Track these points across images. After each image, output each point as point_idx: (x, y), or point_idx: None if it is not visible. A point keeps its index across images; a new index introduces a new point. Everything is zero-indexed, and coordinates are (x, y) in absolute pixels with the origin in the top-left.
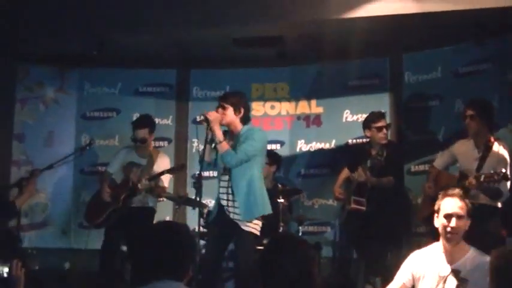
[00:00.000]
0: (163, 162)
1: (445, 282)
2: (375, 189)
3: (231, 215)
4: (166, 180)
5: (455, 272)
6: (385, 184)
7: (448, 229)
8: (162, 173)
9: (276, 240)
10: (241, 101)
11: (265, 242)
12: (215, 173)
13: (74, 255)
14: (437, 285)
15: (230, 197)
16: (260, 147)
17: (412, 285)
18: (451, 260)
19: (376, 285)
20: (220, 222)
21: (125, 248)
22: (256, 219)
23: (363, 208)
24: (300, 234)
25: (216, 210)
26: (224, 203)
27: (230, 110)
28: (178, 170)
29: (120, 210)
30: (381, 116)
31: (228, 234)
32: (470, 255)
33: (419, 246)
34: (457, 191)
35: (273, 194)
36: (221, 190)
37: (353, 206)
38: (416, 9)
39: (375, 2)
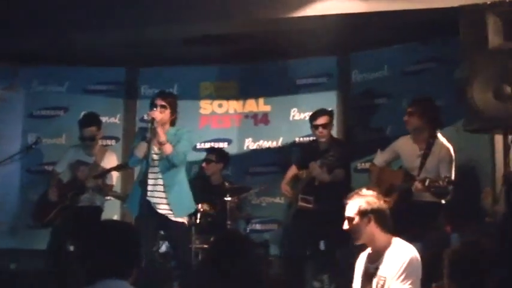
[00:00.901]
0: (110, 161)
1: (369, 281)
2: (323, 188)
3: (162, 211)
4: (114, 178)
5: (376, 270)
6: (339, 177)
7: None
8: (109, 170)
9: (222, 238)
10: (176, 103)
11: (211, 240)
12: None
13: (21, 256)
14: (363, 284)
15: (161, 194)
16: (191, 147)
17: None
18: (374, 258)
19: (324, 282)
20: (148, 217)
21: (72, 248)
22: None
23: (310, 206)
24: (248, 232)
25: (140, 204)
26: (153, 200)
27: (168, 111)
28: (125, 167)
29: (67, 209)
30: (320, 113)
31: (157, 227)
32: (390, 252)
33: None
34: (353, 193)
35: (220, 192)
36: (149, 188)
37: (300, 204)
38: (364, 9)
39: (323, 1)
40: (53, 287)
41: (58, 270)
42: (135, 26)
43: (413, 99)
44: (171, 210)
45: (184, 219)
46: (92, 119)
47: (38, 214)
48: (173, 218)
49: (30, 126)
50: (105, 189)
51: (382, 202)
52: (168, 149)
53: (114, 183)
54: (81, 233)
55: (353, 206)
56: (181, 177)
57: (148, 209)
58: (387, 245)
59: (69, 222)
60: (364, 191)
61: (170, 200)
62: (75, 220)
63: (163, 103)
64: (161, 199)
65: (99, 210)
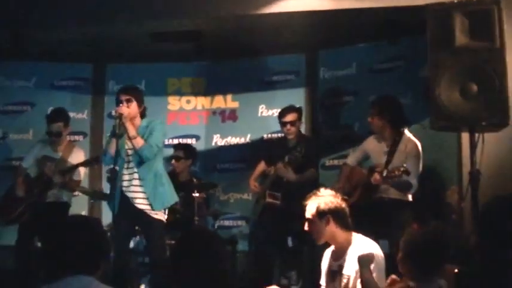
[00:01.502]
0: (77, 156)
1: (333, 279)
2: (291, 184)
3: (139, 206)
4: (82, 174)
5: (339, 268)
6: (309, 178)
7: None
8: (76, 166)
9: (188, 234)
10: (141, 95)
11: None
12: None
13: None
14: (327, 282)
15: (137, 188)
16: (163, 138)
17: None
18: (337, 256)
19: (291, 279)
20: (125, 213)
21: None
22: (164, 209)
23: (278, 202)
24: (216, 228)
25: (118, 201)
26: (130, 194)
27: (134, 104)
28: (92, 163)
29: (34, 205)
30: (287, 110)
31: (134, 223)
32: (352, 249)
33: None
34: (311, 194)
35: (188, 188)
36: (125, 183)
37: (268, 199)
38: (332, 6)
39: None
40: (21, 284)
41: (26, 267)
42: (103, 22)
43: (373, 100)
44: (149, 204)
45: (162, 217)
46: (60, 115)
47: (4, 210)
48: (152, 214)
49: None
50: (72, 185)
51: (339, 201)
52: (139, 142)
53: (81, 178)
54: (47, 228)
55: (311, 208)
56: (158, 169)
57: (125, 204)
58: (348, 242)
59: (36, 218)
60: (322, 191)
61: (147, 193)
62: (42, 216)
63: (127, 97)
64: (138, 193)
65: (66, 206)
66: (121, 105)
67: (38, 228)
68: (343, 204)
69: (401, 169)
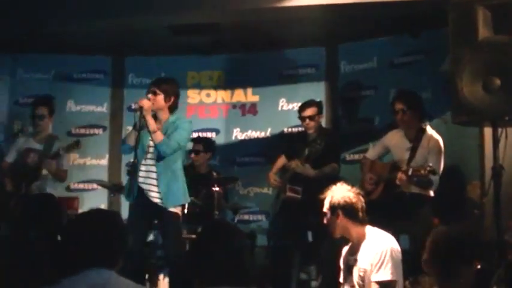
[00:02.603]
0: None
1: (350, 273)
2: (311, 178)
3: (154, 199)
4: (69, 163)
5: (355, 262)
6: (329, 173)
7: None
8: (58, 152)
9: (209, 228)
10: (173, 89)
11: (199, 230)
12: None
13: None
14: (344, 277)
15: (153, 182)
16: (188, 137)
17: None
18: (353, 250)
19: (311, 274)
20: (141, 206)
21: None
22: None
23: (298, 196)
24: (235, 222)
25: (135, 192)
26: (145, 187)
27: (160, 97)
28: (74, 147)
29: (23, 199)
30: (307, 105)
31: (151, 216)
32: (366, 243)
33: None
34: (328, 188)
35: (207, 182)
36: (142, 174)
37: (288, 194)
38: None
39: None
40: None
41: (26, 261)
42: (122, 14)
43: (400, 94)
44: (161, 199)
45: (177, 209)
46: (46, 100)
47: None
48: (168, 208)
49: (15, 114)
50: (62, 175)
51: (352, 195)
52: (158, 136)
53: (67, 168)
54: (67, 221)
55: (325, 202)
56: (176, 167)
57: (142, 197)
58: (362, 236)
59: (32, 210)
60: (338, 185)
61: (161, 189)
62: (34, 209)
63: (154, 89)
64: (153, 186)
65: (53, 197)
66: (146, 97)
67: (37, 222)
68: (355, 199)
69: (428, 169)
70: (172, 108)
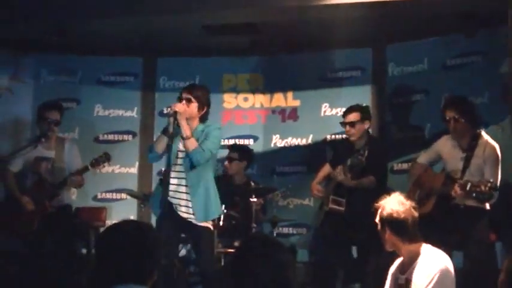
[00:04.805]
0: (72, 150)
1: None
2: (356, 189)
3: (183, 214)
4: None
5: (407, 281)
6: (366, 185)
7: None
8: (86, 167)
9: (248, 242)
10: (206, 98)
11: (236, 244)
12: None
13: None
14: None
15: (183, 195)
16: (219, 146)
17: None
18: (405, 268)
19: None
20: (169, 219)
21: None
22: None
23: (342, 209)
24: (275, 236)
25: (163, 206)
26: (175, 201)
27: (194, 105)
28: (103, 161)
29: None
30: (349, 110)
31: (181, 229)
32: (420, 261)
33: None
34: (382, 197)
35: (245, 193)
36: (172, 188)
37: (331, 206)
38: None
39: None
40: None
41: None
42: (153, 13)
43: (451, 101)
44: (193, 214)
45: (208, 224)
46: (56, 104)
47: (16, 227)
48: (197, 223)
49: None
50: (79, 181)
51: (400, 210)
52: (192, 144)
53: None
54: (99, 233)
55: (377, 213)
56: (208, 178)
57: (169, 210)
58: (415, 254)
59: (48, 226)
60: (392, 196)
61: (194, 203)
62: (54, 223)
63: (188, 96)
64: (183, 201)
65: (71, 209)
66: (178, 102)
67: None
68: (403, 214)
69: (489, 185)
70: (204, 118)
